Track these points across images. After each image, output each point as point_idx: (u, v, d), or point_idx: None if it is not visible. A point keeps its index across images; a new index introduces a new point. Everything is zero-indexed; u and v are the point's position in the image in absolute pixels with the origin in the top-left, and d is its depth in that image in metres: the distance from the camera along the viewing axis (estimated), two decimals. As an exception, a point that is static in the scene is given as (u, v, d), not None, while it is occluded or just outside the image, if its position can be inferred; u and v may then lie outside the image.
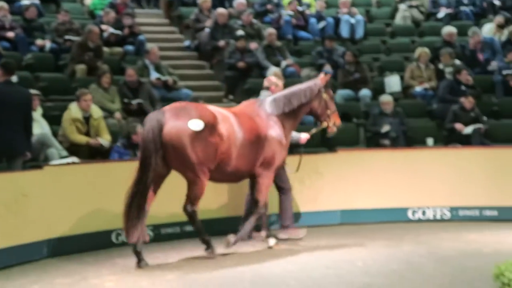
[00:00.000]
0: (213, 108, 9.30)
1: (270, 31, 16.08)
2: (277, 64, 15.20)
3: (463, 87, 14.23)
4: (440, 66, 15.32)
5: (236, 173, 9.33)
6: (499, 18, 17.20)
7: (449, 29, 16.38)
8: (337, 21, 17.71)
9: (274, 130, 9.55)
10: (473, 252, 9.40)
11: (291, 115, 9.78)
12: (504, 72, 15.03)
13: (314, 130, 10.44)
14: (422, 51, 15.39)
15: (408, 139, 13.73)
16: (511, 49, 15.48)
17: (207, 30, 16.65)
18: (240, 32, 16.12)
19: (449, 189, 11.75)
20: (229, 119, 9.19)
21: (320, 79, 10.01)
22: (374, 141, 13.57)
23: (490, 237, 10.46)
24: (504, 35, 16.65)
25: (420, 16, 18.74)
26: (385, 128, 13.43)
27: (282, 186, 10.29)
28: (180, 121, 8.73)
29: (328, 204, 11.47)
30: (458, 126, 13.50)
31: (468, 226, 11.27)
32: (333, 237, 10.53)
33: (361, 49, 17.03)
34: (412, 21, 18.54)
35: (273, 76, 10.76)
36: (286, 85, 10.47)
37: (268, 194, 9.66)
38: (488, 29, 17.05)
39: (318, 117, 10.15)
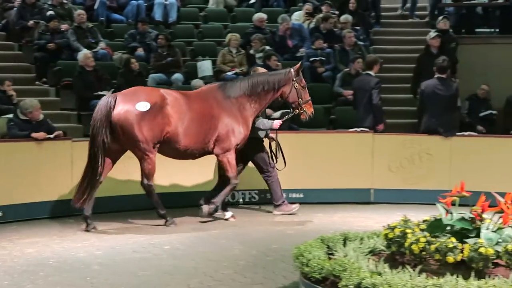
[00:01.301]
0: (165, 91, 10.19)
1: (79, 12, 15.80)
2: (89, 46, 14.96)
3: (272, 72, 14.55)
4: (251, 51, 15.59)
5: (188, 151, 10.06)
6: (308, 6, 17.72)
7: (260, 15, 16.69)
8: (150, 4, 17.64)
9: (228, 111, 10.24)
10: (278, 234, 9.68)
11: (255, 98, 10.43)
12: (312, 58, 15.51)
13: (286, 116, 11.19)
14: (233, 36, 15.61)
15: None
16: (319, 36, 15.97)
17: (15, 9, 16.11)
18: (50, 13, 15.74)
19: (257, 172, 11.98)
20: (178, 101, 9.96)
21: (294, 68, 10.59)
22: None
23: (295, 218, 10.80)
24: (312, 22, 17.18)
25: (233, 1, 18.97)
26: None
27: (263, 168, 10.96)
28: (129, 103, 9.66)
29: (137, 189, 11.40)
30: (267, 110, 13.77)
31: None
32: (141, 220, 10.50)
33: (174, 32, 17.07)
34: (224, 6, 18.74)
35: (260, 68, 11.55)
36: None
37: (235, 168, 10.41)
38: (297, 16, 17.50)
39: (289, 104, 10.80)
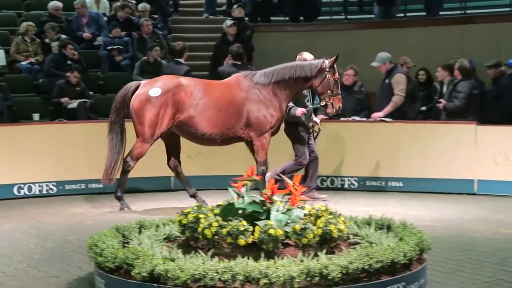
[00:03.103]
0: (183, 79, 10.48)
1: None
2: None
3: (69, 62, 14.28)
4: (47, 40, 15.21)
5: (205, 136, 10.25)
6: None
7: (55, 4, 16.27)
8: None
9: (255, 97, 10.29)
10: (76, 225, 9.53)
11: (284, 85, 10.34)
12: (109, 47, 15.36)
13: (311, 106, 10.97)
14: (28, 25, 15.17)
15: (14, 114, 13.49)
16: (116, 25, 15.83)
17: None
18: None
19: (56, 163, 11.75)
20: (194, 88, 10.20)
21: (329, 60, 10.31)
22: (-23, 117, 13.14)
23: (92, 209, 10.70)
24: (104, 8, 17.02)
25: (27, -11, 18.39)
26: (-11, 103, 13.09)
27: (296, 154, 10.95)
28: (144, 89, 10.20)
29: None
30: (64, 100, 13.54)
31: (74, 199, 11.41)
32: None
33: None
34: (18, -6, 18.13)
35: (305, 53, 11.20)
36: None
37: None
38: (89, 4, 17.12)
39: (318, 94, 10.62)
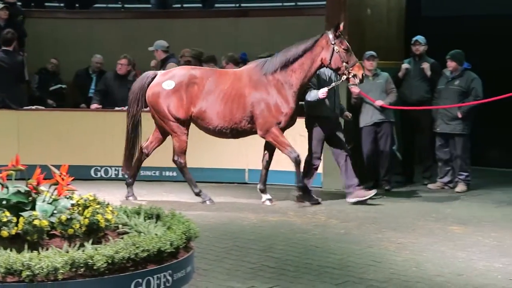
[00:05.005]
0: (198, 70, 10.32)
1: None
2: None
3: None
4: None
5: (217, 129, 10.07)
6: None
7: None
8: None
9: (262, 89, 9.90)
10: None
11: (290, 72, 9.86)
12: None
13: (333, 84, 10.08)
14: None
15: None
16: None
17: None
18: None
19: None
20: (207, 80, 9.99)
21: (331, 32, 9.76)
22: None
23: None
24: None
25: None
26: None
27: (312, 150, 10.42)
28: (159, 81, 10.09)
29: None
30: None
31: None
32: None
33: None
34: None
35: None
36: None
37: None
38: None
39: (334, 70, 9.96)
